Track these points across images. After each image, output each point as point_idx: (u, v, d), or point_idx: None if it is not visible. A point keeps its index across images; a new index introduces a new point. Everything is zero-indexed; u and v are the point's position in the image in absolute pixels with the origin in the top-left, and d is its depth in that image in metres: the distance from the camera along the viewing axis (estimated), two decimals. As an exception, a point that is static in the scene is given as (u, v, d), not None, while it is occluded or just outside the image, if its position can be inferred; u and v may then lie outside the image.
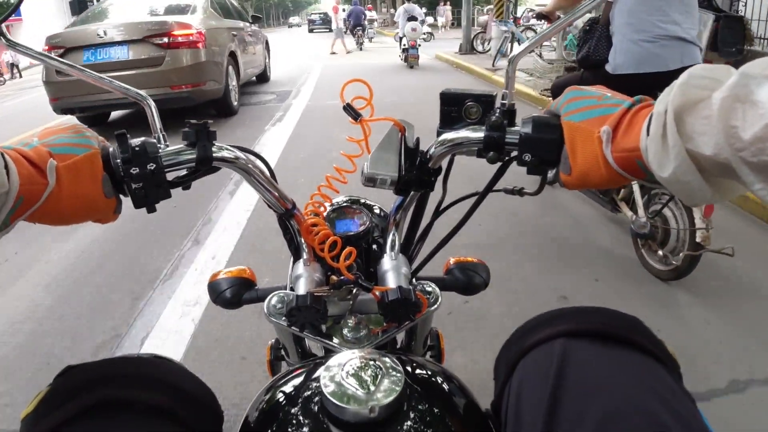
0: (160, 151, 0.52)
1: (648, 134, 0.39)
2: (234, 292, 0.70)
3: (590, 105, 0.47)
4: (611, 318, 0.46)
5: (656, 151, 0.38)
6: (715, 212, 2.04)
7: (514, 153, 0.54)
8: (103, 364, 0.43)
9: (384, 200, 0.77)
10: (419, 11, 10.91)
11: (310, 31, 37.68)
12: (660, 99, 0.39)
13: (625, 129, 0.42)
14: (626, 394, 0.39)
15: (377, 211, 0.77)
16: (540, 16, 3.37)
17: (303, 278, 0.62)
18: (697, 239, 1.98)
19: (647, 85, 2.13)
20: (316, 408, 0.43)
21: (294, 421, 0.44)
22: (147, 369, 0.43)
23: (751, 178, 0.34)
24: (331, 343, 0.61)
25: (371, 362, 0.44)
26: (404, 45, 10.22)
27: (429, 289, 0.64)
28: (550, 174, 2.36)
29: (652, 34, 2.11)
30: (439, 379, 0.52)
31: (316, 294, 0.58)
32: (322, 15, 40.74)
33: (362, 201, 0.78)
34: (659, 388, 0.40)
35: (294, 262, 0.67)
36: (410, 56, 9.93)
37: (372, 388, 0.42)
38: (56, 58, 0.56)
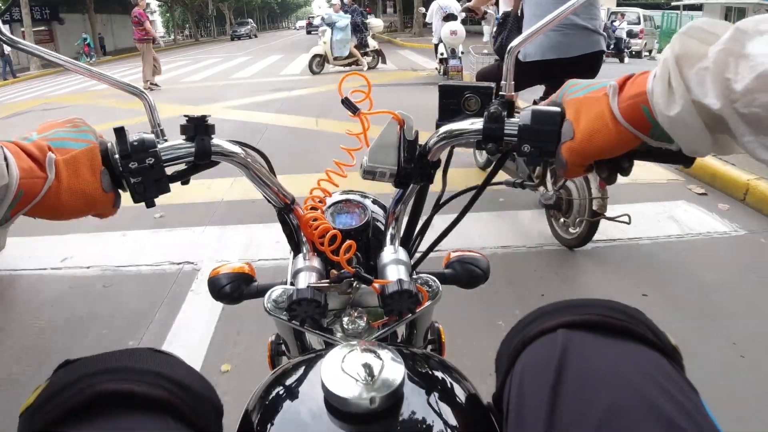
0: (158, 145, 0.52)
1: (654, 78, 0.42)
2: (234, 287, 0.70)
3: (592, 83, 0.49)
4: (612, 309, 0.46)
5: (662, 92, 0.41)
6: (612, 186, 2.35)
7: (514, 144, 0.54)
8: (101, 357, 0.43)
9: (384, 195, 0.77)
10: (456, 5, 7.34)
11: (308, 32, 38.69)
12: (664, 49, 0.42)
13: (631, 83, 0.45)
14: (629, 386, 0.39)
15: (377, 204, 0.77)
16: (467, 10, 3.72)
17: (303, 272, 0.62)
18: (594, 207, 2.27)
19: (553, 69, 2.39)
20: (317, 399, 0.44)
21: (294, 413, 0.45)
22: (146, 362, 0.43)
23: (741, 129, 0.36)
24: (331, 336, 0.62)
25: (371, 354, 0.44)
26: (441, 53, 7.57)
27: (429, 282, 0.64)
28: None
29: (559, 26, 2.27)
30: (440, 371, 0.52)
31: (316, 288, 0.58)
32: (319, 17, 42.61)
33: (362, 194, 0.77)
34: (661, 379, 0.40)
35: (294, 257, 0.67)
36: (451, 69, 7.04)
37: (372, 379, 0.42)
38: (54, 54, 0.56)
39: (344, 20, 9.96)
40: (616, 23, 14.34)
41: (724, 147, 0.42)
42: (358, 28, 10.39)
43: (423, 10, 11.38)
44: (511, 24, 2.74)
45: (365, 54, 10.60)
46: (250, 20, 38.28)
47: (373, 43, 10.77)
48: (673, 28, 18.90)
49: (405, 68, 10.63)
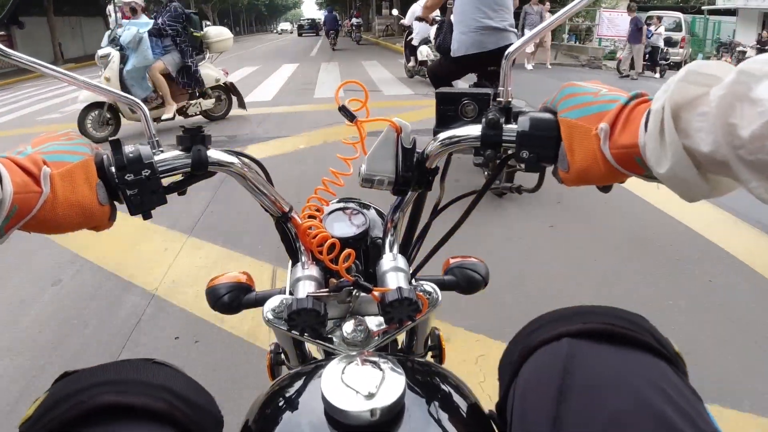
0: (154, 157, 0.52)
1: (646, 131, 0.39)
2: (232, 297, 0.69)
3: (587, 102, 0.47)
4: (616, 317, 0.46)
5: (654, 148, 0.39)
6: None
7: (512, 150, 0.54)
8: (100, 369, 0.43)
9: (383, 201, 0.77)
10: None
11: (300, 35, 38.47)
12: (657, 96, 0.39)
13: (622, 125, 0.43)
14: (633, 394, 0.39)
15: (375, 211, 0.77)
16: (419, 19, 4.49)
17: (302, 281, 0.62)
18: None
19: (475, 62, 3.16)
20: (317, 411, 0.43)
21: (294, 425, 0.44)
22: (145, 374, 0.43)
23: (747, 176, 0.34)
24: (331, 346, 0.61)
25: (372, 365, 0.44)
26: (422, 55, 7.47)
27: (429, 289, 0.64)
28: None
29: (473, 26, 3.07)
30: (441, 381, 0.51)
31: (315, 297, 0.58)
32: (309, 20, 42.11)
33: (360, 202, 0.77)
34: (666, 387, 0.40)
35: (292, 266, 0.67)
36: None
37: (373, 390, 0.41)
38: (49, 66, 0.55)
39: (142, 28, 5.12)
40: (652, 28, 11.67)
41: (723, 189, 0.40)
42: (177, 43, 5.31)
43: (396, 12, 10.31)
44: (445, 28, 3.49)
45: (203, 95, 5.63)
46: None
47: (214, 75, 5.63)
48: (714, 36, 16.62)
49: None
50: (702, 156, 0.36)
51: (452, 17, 3.30)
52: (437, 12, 4.45)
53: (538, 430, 0.40)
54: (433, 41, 5.09)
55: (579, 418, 0.39)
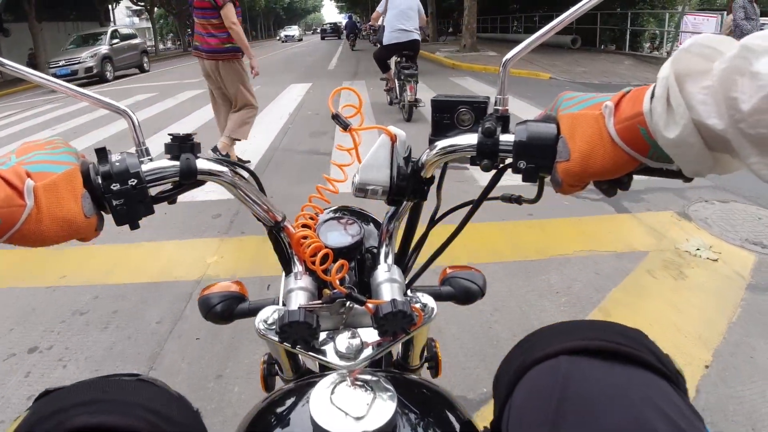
0: (141, 166, 0.51)
1: (652, 100, 0.40)
2: (225, 307, 0.68)
3: (588, 98, 0.47)
4: (615, 333, 0.45)
5: (661, 113, 0.39)
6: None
7: (509, 160, 0.52)
8: (82, 386, 0.42)
9: (379, 210, 0.75)
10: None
11: (323, 38, 39.51)
12: (664, 66, 0.40)
13: (627, 101, 0.43)
14: (631, 414, 0.38)
15: (370, 220, 0.76)
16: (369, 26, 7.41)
17: (294, 293, 0.60)
18: (409, 99, 5.63)
19: (395, 48, 5.82)
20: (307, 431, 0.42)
21: None
22: (128, 392, 0.42)
23: (747, 150, 0.35)
24: (324, 358, 0.60)
25: (362, 384, 0.43)
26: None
27: (424, 300, 0.63)
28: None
29: (395, 28, 5.65)
30: (434, 400, 0.50)
31: (308, 309, 0.56)
32: (332, 24, 42.95)
33: (355, 210, 0.76)
34: (664, 406, 0.39)
35: (285, 276, 0.65)
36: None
37: (363, 413, 0.40)
38: (40, 74, 0.54)
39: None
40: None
41: (726, 166, 0.40)
42: None
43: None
44: (380, 29, 6.07)
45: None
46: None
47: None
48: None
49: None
50: (705, 129, 0.37)
51: (384, 23, 5.90)
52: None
53: None
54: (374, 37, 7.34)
55: None
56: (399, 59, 5.96)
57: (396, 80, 6.18)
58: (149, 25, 40.01)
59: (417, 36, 5.69)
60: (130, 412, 0.39)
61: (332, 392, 0.42)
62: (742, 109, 0.34)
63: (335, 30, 39.75)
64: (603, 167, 0.44)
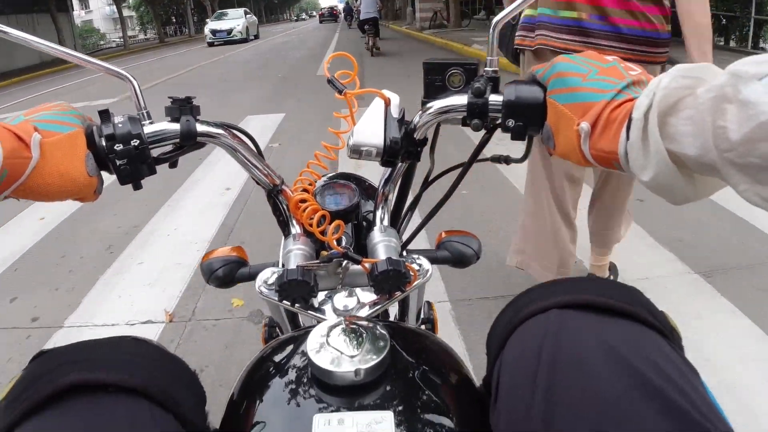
0: (144, 127, 0.52)
1: (627, 139, 0.39)
2: (226, 271, 0.70)
3: (574, 86, 0.46)
4: (607, 288, 0.44)
5: (636, 157, 0.39)
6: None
7: (499, 120, 0.54)
8: (77, 347, 0.42)
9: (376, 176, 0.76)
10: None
11: (321, 22, 43.03)
12: (638, 104, 0.39)
13: (602, 128, 0.42)
14: (624, 368, 0.37)
15: (366, 185, 0.77)
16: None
17: (293, 254, 0.62)
18: (370, 44, 11.46)
19: (364, 22, 11.23)
20: (304, 373, 0.44)
21: (281, 387, 0.45)
22: (122, 351, 0.42)
23: (736, 178, 0.33)
24: (322, 316, 0.62)
25: (356, 328, 0.45)
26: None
27: (419, 261, 0.64)
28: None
29: (365, 12, 11.11)
30: (429, 347, 0.52)
31: (306, 268, 0.58)
32: (329, 9, 47.74)
33: (352, 176, 0.78)
34: (658, 360, 0.38)
35: (284, 239, 0.67)
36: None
37: (357, 351, 0.42)
38: (41, 40, 0.55)
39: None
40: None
41: (710, 189, 0.39)
42: None
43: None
44: (358, 9, 12.72)
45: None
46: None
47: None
48: None
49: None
50: (689, 159, 0.36)
51: (360, 7, 11.19)
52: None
53: (524, 404, 0.39)
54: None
55: (568, 394, 0.38)
56: (367, 27, 11.07)
57: (367, 36, 11.39)
58: (134, 14, 36.24)
59: (375, 15, 10.94)
60: (124, 369, 0.40)
61: (328, 335, 0.44)
62: (730, 138, 0.32)
63: (331, 14, 45.54)
64: (580, 166, 0.46)
